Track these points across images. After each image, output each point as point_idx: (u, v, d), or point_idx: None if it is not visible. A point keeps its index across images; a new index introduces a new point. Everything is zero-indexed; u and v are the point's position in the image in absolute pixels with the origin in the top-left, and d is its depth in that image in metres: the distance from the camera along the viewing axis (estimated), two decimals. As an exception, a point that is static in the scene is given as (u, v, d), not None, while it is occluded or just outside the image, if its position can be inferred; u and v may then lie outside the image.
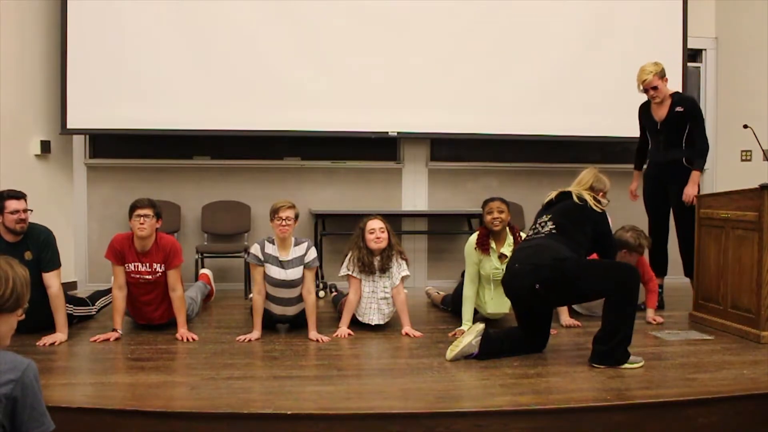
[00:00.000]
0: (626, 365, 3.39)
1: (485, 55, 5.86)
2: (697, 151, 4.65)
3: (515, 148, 6.25)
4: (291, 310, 4.16)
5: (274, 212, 4.01)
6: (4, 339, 1.76)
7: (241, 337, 3.97)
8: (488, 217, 4.19)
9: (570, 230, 3.55)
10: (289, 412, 2.73)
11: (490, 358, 3.52)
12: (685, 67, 6.06)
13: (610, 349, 3.40)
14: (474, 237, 4.24)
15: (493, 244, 4.19)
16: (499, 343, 3.60)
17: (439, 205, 6.18)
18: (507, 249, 4.20)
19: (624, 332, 3.41)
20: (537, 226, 3.68)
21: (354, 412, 2.77)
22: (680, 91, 4.81)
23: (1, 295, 1.70)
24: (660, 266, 4.82)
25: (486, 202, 4.28)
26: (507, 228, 4.26)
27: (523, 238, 4.00)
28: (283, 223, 3.99)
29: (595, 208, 3.59)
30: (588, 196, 3.62)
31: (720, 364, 3.50)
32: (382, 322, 4.27)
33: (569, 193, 3.69)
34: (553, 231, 3.55)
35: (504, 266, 4.19)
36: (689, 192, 4.60)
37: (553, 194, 3.75)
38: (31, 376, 1.69)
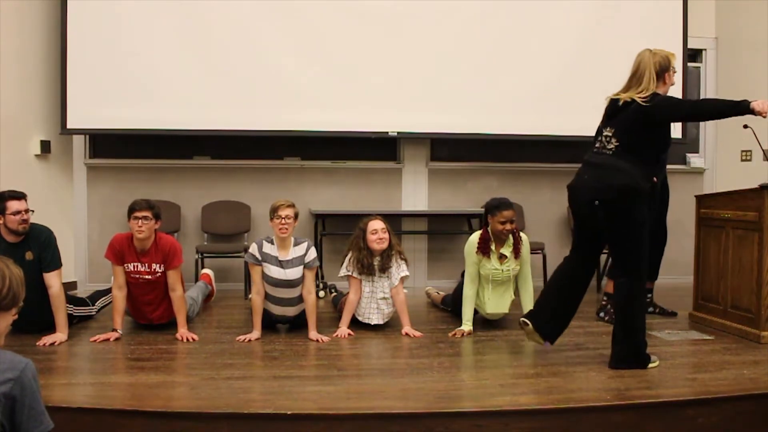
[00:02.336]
0: (649, 365, 3.41)
1: (485, 55, 5.86)
2: None
3: (515, 148, 6.25)
4: (291, 311, 4.16)
5: (274, 211, 4.01)
6: (0, 337, 1.77)
7: (241, 337, 3.97)
8: (499, 227, 4.10)
9: (635, 145, 3.39)
10: (289, 412, 2.73)
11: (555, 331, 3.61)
12: (685, 67, 6.06)
13: (634, 349, 3.40)
14: (474, 237, 4.22)
15: (492, 246, 4.18)
16: (550, 312, 3.60)
17: (439, 205, 6.18)
18: (507, 250, 4.19)
19: (642, 328, 3.42)
20: (603, 139, 3.50)
21: (354, 412, 2.77)
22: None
23: None
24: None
25: (498, 209, 4.12)
26: None
27: (591, 154, 3.58)
28: (283, 222, 3.98)
29: (644, 104, 3.35)
30: (640, 99, 3.37)
31: (720, 364, 3.50)
32: (381, 322, 4.27)
33: (625, 103, 3.43)
34: (618, 149, 3.41)
35: (504, 266, 4.20)
36: None
37: (606, 102, 3.55)
38: (30, 376, 1.69)
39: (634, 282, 3.39)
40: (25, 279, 1.80)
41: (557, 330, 3.64)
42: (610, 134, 3.46)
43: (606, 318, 4.48)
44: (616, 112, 3.48)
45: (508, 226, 4.11)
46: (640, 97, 3.39)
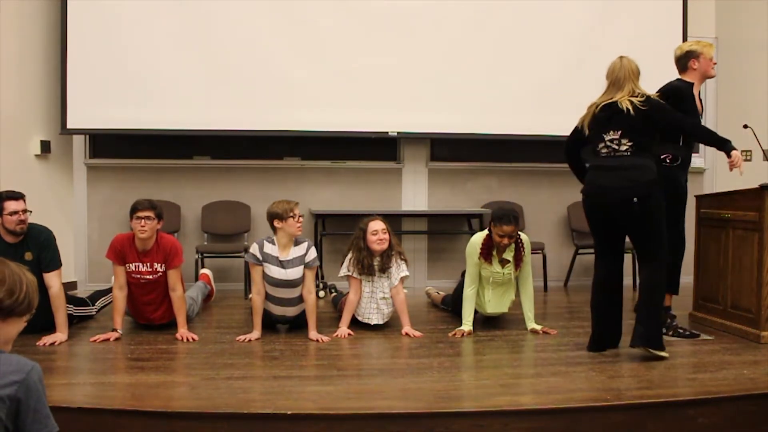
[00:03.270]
0: (662, 353, 3.51)
1: (485, 55, 5.86)
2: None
3: (515, 148, 6.25)
4: (291, 311, 4.16)
5: (290, 211, 3.99)
6: (9, 343, 1.78)
7: (241, 337, 3.97)
8: (497, 239, 4.09)
9: (647, 144, 3.56)
10: (289, 412, 2.73)
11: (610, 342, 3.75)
12: (685, 67, 6.05)
13: (657, 330, 3.54)
14: (476, 238, 4.20)
15: (494, 251, 4.16)
16: (608, 333, 3.74)
17: (439, 205, 6.18)
18: (509, 254, 4.17)
19: (661, 310, 3.60)
20: (611, 144, 3.57)
21: (354, 412, 2.77)
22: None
23: (16, 299, 1.72)
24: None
25: (500, 221, 4.06)
26: None
27: (601, 157, 3.63)
28: (300, 220, 4.02)
29: (642, 107, 3.49)
30: (637, 101, 3.50)
31: (720, 364, 3.50)
32: (381, 322, 4.27)
33: (618, 104, 3.54)
34: (633, 149, 3.52)
35: (505, 270, 4.18)
36: None
37: (595, 108, 3.64)
38: (35, 378, 1.70)
39: (663, 267, 3.58)
40: None
41: (618, 334, 3.80)
42: (617, 137, 3.56)
43: (671, 333, 4.08)
44: (612, 116, 3.57)
45: (506, 241, 4.09)
46: (636, 100, 3.53)
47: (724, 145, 3.69)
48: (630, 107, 3.50)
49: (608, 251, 3.72)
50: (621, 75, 3.60)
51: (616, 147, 3.56)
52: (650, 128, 3.57)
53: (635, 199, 3.46)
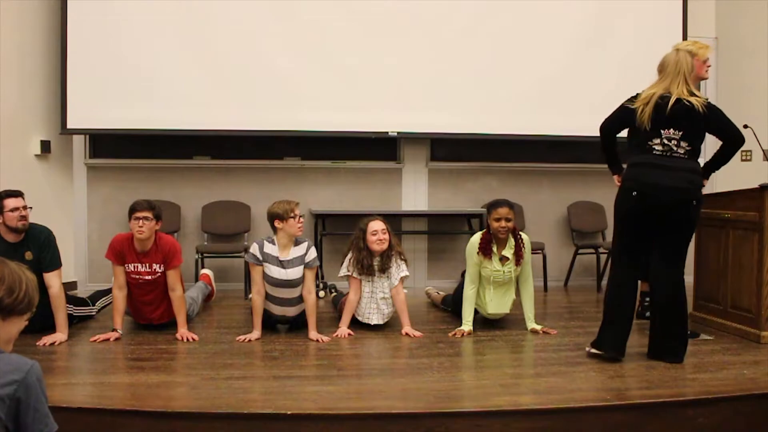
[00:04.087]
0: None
1: (485, 55, 5.86)
2: None
3: (515, 148, 6.25)
4: (291, 311, 4.16)
5: (291, 211, 3.99)
6: (11, 342, 1.78)
7: (241, 337, 3.97)
8: (495, 224, 4.10)
9: (698, 149, 3.53)
10: (289, 412, 2.73)
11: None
12: (685, 67, 6.05)
13: (687, 344, 3.57)
14: (476, 238, 4.21)
15: (494, 248, 4.17)
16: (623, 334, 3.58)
17: (439, 205, 6.18)
18: (509, 251, 4.18)
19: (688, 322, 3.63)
20: (668, 143, 3.44)
21: (354, 412, 2.77)
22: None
23: (15, 297, 1.73)
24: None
25: (493, 207, 4.14)
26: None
27: (648, 155, 3.47)
28: (300, 220, 4.02)
29: (706, 110, 3.44)
30: (701, 102, 3.43)
31: (720, 364, 3.50)
32: (381, 322, 4.27)
33: (687, 102, 3.42)
34: (689, 153, 3.46)
35: (505, 268, 4.18)
36: None
37: (659, 99, 3.42)
38: (35, 377, 1.70)
39: (683, 276, 3.56)
40: None
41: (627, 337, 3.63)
42: (677, 137, 3.44)
43: None
44: (678, 113, 3.42)
45: (503, 224, 4.09)
46: (700, 102, 3.44)
47: (709, 172, 3.73)
48: (700, 108, 3.39)
49: (635, 251, 3.56)
50: (675, 69, 3.50)
51: (674, 147, 3.44)
52: (705, 132, 3.52)
53: (694, 202, 3.44)
